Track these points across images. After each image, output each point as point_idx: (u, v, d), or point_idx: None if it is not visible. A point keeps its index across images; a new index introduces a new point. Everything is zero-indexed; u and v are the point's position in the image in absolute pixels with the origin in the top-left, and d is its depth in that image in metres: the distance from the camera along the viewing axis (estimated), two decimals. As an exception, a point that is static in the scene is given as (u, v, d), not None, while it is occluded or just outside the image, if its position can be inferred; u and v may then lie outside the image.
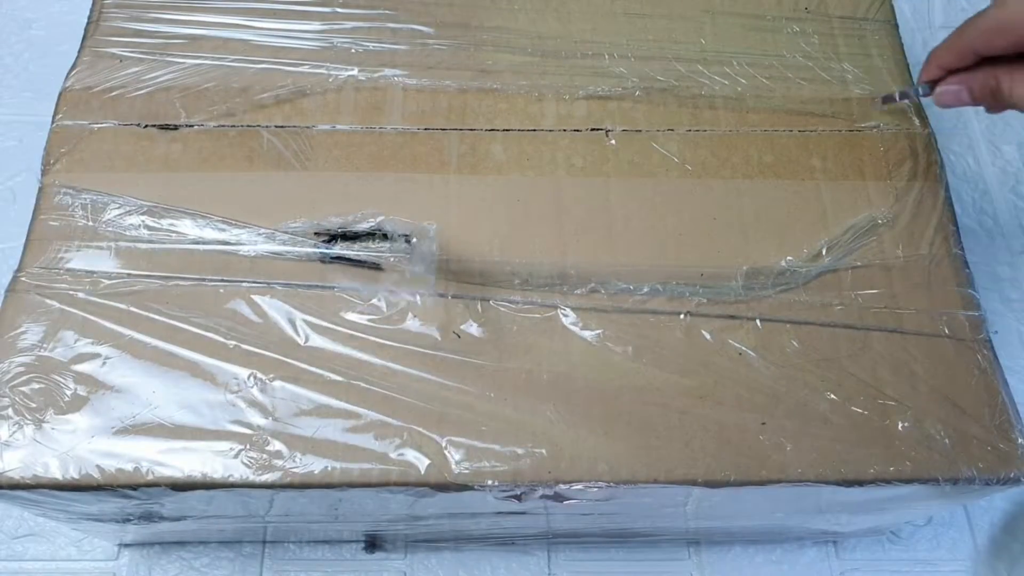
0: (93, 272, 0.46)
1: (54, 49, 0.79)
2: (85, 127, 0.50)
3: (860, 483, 0.43)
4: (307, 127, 0.51)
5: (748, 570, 0.63)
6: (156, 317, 0.45)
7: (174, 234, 0.47)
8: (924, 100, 0.53)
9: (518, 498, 0.44)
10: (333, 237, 0.47)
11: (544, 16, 0.56)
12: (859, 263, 0.49)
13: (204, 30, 0.54)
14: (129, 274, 0.46)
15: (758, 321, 0.47)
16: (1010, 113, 0.53)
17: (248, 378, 0.44)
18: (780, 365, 0.46)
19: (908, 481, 0.43)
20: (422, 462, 0.42)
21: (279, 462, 0.42)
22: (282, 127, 0.51)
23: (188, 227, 0.47)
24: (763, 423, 0.44)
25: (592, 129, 0.52)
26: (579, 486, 0.43)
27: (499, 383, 0.44)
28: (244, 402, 0.43)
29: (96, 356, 0.44)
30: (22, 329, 0.44)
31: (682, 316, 0.47)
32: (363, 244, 0.47)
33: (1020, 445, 0.44)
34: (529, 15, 0.56)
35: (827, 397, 0.45)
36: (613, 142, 0.52)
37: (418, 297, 0.46)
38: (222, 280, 0.46)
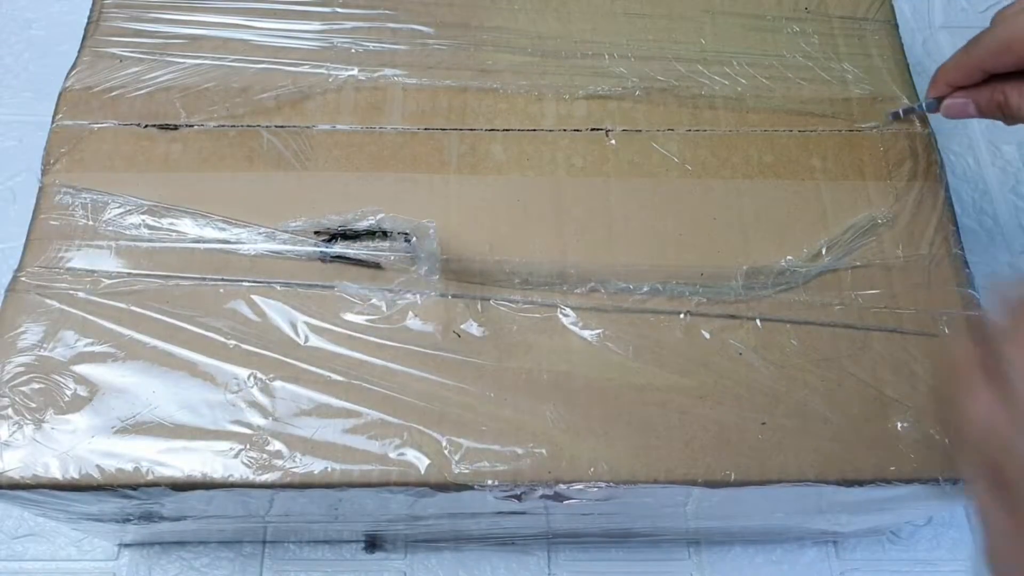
0: (93, 271, 0.46)
1: (54, 49, 0.78)
2: (85, 127, 0.50)
3: (860, 483, 0.43)
4: (307, 127, 0.51)
5: (748, 570, 0.63)
6: (156, 316, 0.45)
7: (174, 233, 0.47)
8: (926, 104, 0.53)
9: (518, 498, 0.44)
10: (333, 236, 0.47)
11: (544, 16, 0.56)
12: (859, 263, 0.49)
13: (204, 30, 0.54)
14: (129, 273, 0.46)
15: (758, 321, 0.47)
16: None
17: (248, 378, 0.44)
18: (780, 365, 0.46)
19: (908, 481, 0.43)
20: (422, 462, 0.42)
21: (279, 462, 0.42)
22: (282, 127, 0.51)
23: (188, 226, 0.47)
24: (763, 423, 0.44)
25: (592, 129, 0.52)
26: (579, 486, 0.43)
27: (499, 383, 0.44)
28: (244, 402, 0.43)
29: (96, 356, 0.44)
30: (22, 329, 0.44)
31: (682, 316, 0.47)
32: (363, 243, 0.47)
33: (1020, 445, 0.44)
34: (529, 15, 0.56)
35: (827, 397, 0.45)
36: (613, 142, 0.52)
37: (418, 297, 0.46)
38: (222, 279, 0.46)
